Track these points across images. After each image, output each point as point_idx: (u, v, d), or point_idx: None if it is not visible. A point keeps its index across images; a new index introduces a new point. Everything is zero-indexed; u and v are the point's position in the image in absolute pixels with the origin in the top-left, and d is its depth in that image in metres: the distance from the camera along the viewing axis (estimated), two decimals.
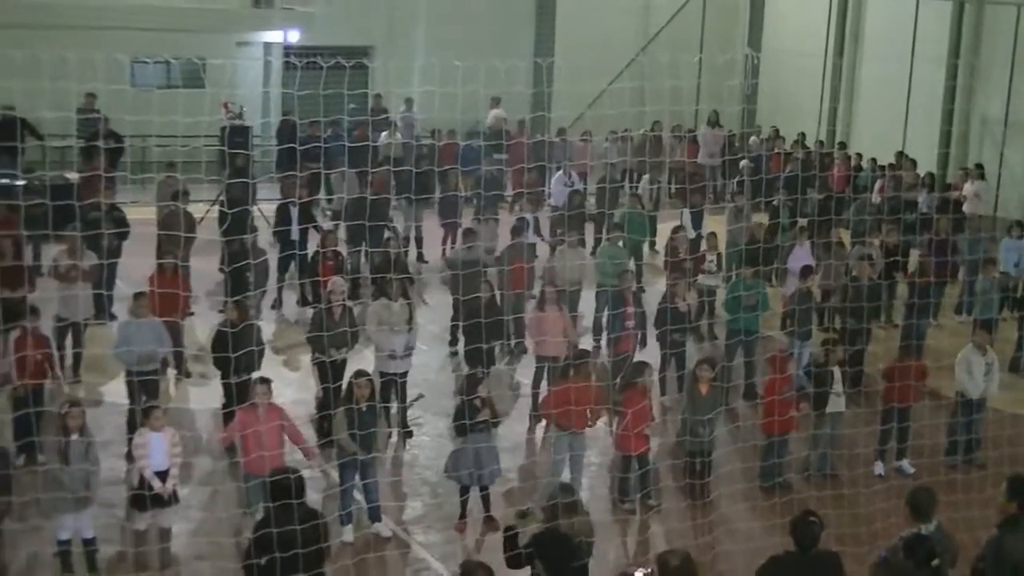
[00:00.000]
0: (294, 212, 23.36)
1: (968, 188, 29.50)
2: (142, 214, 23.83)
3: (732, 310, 20.26)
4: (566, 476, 16.37)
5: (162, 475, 14.47)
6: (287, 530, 11.12)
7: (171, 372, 19.90)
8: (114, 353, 17.47)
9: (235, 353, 15.49)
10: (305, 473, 16.10)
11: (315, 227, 24.14)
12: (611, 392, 16.88)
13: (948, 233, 24.14)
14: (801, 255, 22.76)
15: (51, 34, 24.84)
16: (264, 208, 26.16)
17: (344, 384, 16.03)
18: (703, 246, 24.18)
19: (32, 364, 16.22)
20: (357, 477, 15.25)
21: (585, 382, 16.30)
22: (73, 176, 23.67)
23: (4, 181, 23.99)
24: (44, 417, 15.71)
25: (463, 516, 15.73)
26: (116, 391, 18.01)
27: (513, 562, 11.52)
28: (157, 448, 14.46)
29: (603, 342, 21.59)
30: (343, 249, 22.85)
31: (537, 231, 24.49)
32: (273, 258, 22.67)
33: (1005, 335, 22.39)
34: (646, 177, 29.45)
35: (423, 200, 26.88)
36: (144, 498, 14.32)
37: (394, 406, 18.30)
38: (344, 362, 17.82)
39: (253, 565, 11.25)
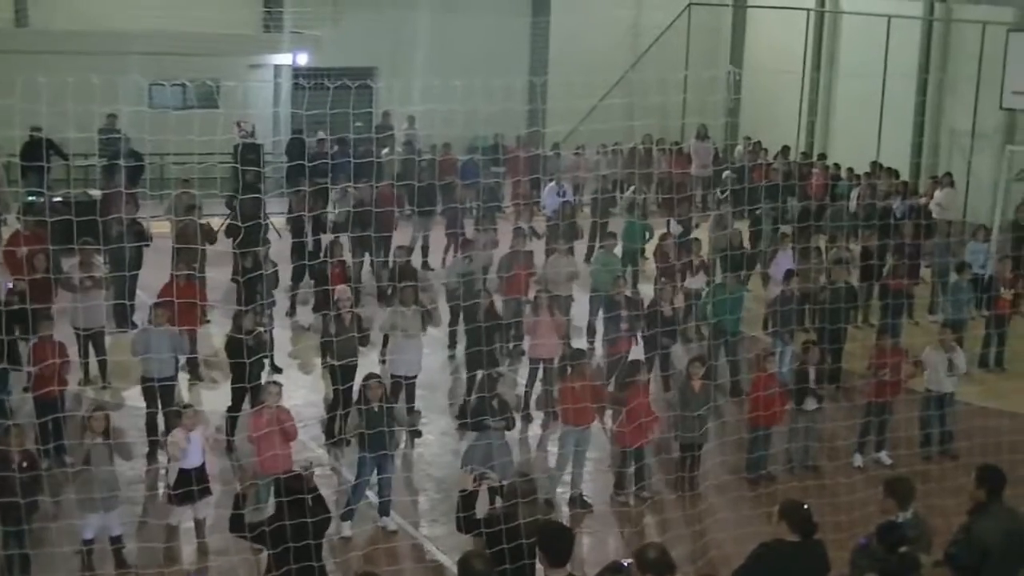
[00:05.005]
0: (308, 225, 23.23)
1: (938, 195, 29.44)
2: (161, 228, 23.75)
3: (716, 312, 20.18)
4: (570, 469, 16.36)
5: (198, 471, 14.43)
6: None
7: (184, 377, 19.57)
8: (134, 360, 17.40)
9: (248, 359, 15.43)
10: (316, 471, 16.17)
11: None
12: (608, 390, 16.83)
13: (913, 237, 24.07)
14: (783, 260, 22.71)
15: (75, 60, 24.71)
16: (274, 221, 26.04)
17: (356, 387, 15.95)
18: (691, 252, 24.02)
19: (52, 371, 16.12)
20: (375, 474, 15.17)
21: (587, 380, 16.21)
22: (96, 193, 23.58)
23: (31, 199, 23.91)
24: (68, 421, 15.68)
25: None
26: (138, 396, 17.90)
27: (467, 525, 11.59)
28: (194, 446, 14.46)
29: (597, 344, 21.53)
30: (347, 258, 22.73)
31: (535, 235, 24.32)
32: (285, 268, 22.56)
33: (976, 333, 22.33)
34: (631, 188, 29.38)
35: (428, 212, 26.80)
36: (185, 494, 14.23)
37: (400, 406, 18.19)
38: (355, 366, 17.63)
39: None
